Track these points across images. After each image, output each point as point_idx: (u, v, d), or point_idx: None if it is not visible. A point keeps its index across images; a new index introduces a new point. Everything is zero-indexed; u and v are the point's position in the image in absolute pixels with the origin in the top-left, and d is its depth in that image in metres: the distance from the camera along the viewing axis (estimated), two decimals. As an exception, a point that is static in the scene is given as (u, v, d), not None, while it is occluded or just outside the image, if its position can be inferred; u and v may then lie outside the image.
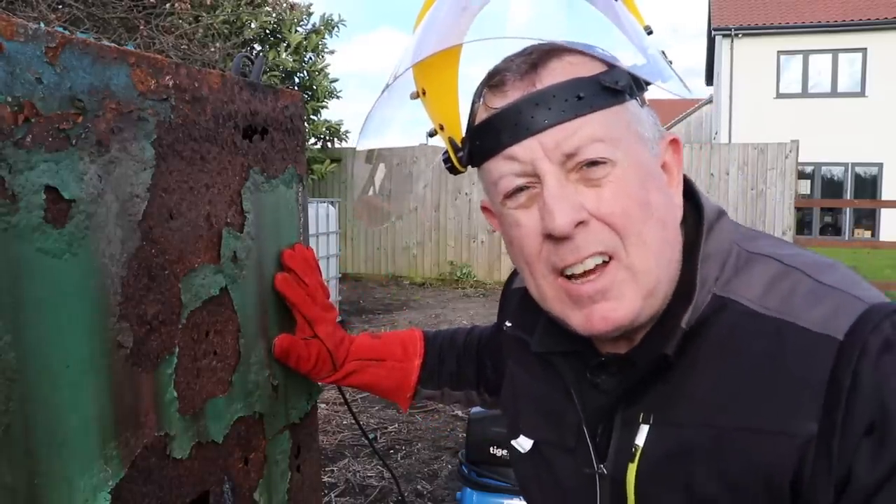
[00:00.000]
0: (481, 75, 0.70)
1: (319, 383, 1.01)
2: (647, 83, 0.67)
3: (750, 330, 0.63)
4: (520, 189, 0.66)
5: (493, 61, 0.70)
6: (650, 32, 0.69)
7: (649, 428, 0.66)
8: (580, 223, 0.63)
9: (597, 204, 0.63)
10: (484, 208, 0.76)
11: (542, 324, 0.77)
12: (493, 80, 0.68)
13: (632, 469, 0.67)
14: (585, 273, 0.65)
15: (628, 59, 0.65)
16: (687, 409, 0.65)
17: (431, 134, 0.74)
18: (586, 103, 0.63)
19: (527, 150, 0.64)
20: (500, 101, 0.66)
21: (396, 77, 0.69)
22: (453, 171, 0.73)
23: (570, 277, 0.66)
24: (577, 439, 0.73)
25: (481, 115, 0.68)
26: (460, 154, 0.70)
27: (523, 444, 0.81)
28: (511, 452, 0.84)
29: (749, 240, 0.71)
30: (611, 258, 0.64)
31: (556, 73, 0.65)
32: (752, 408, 0.61)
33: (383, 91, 0.71)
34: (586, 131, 0.63)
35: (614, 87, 0.64)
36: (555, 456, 0.77)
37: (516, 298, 0.89)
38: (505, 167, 0.66)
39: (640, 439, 0.67)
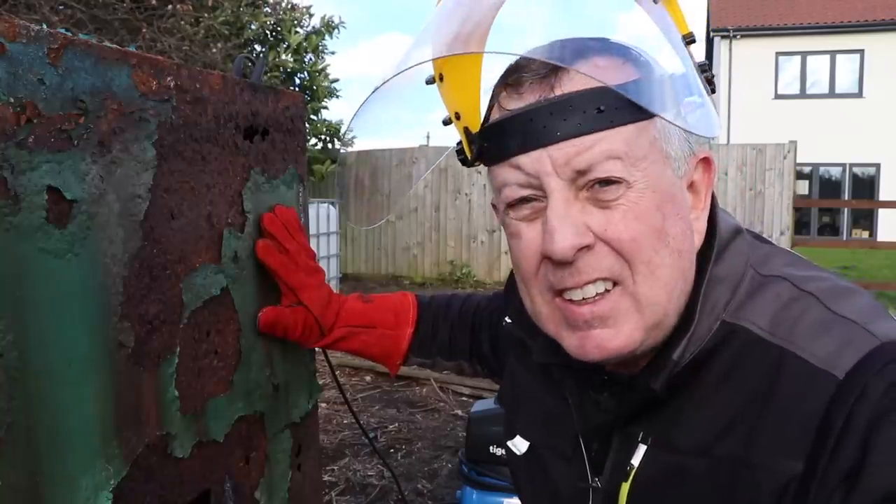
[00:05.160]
0: (507, 62, 0.64)
1: (311, 347, 0.98)
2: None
3: (755, 358, 0.60)
4: (524, 200, 0.61)
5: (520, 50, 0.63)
6: (691, 41, 0.61)
7: (646, 449, 0.65)
8: (584, 248, 0.59)
9: (604, 226, 0.58)
10: (493, 205, 0.71)
11: (543, 332, 0.72)
12: (511, 79, 0.62)
13: (625, 488, 0.66)
14: (585, 299, 0.60)
15: (668, 66, 0.59)
16: (685, 434, 0.63)
17: (446, 122, 0.67)
18: (607, 117, 0.57)
19: (535, 161, 0.59)
20: (514, 103, 0.61)
21: (406, 68, 0.62)
22: (466, 163, 0.68)
23: (568, 298, 0.61)
24: (574, 450, 0.72)
25: (494, 115, 0.63)
26: (475, 147, 0.65)
27: (519, 445, 0.80)
28: (507, 452, 0.83)
29: (764, 260, 0.66)
30: (615, 283, 0.60)
31: (578, 79, 0.58)
32: (744, 439, 0.59)
33: (385, 81, 0.63)
34: (602, 147, 0.57)
35: (642, 101, 0.57)
36: (550, 461, 0.76)
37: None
38: (511, 175, 0.61)
39: (636, 459, 0.65)
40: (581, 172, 0.58)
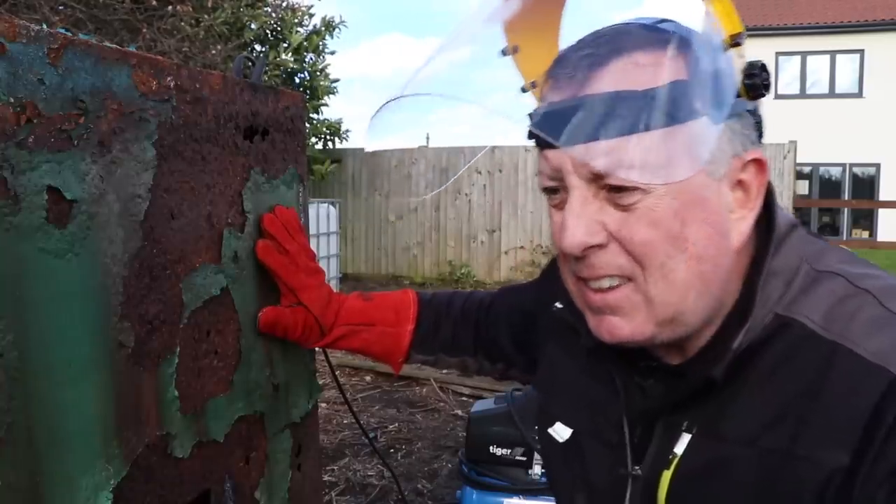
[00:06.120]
0: (587, 28, 0.62)
1: (311, 347, 0.98)
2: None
3: (807, 352, 0.60)
4: (553, 189, 0.63)
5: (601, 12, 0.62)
6: (736, 44, 0.56)
7: (690, 438, 0.64)
8: (595, 246, 0.59)
9: (619, 226, 0.59)
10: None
11: None
12: (555, 70, 0.62)
13: (666, 476, 0.65)
14: (600, 288, 0.62)
15: (711, 65, 0.55)
16: (732, 425, 0.62)
17: (524, 90, 0.68)
18: (628, 123, 0.55)
19: (557, 158, 0.60)
20: (552, 95, 0.61)
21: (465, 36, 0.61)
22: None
23: (587, 284, 0.63)
24: (618, 436, 0.71)
25: (541, 102, 0.64)
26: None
27: (561, 432, 0.78)
28: (544, 440, 0.81)
29: (819, 256, 0.65)
30: (628, 279, 0.61)
31: (609, 78, 0.57)
32: (791, 431, 0.58)
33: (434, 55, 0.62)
34: (620, 154, 0.55)
35: (672, 107, 0.55)
36: (591, 448, 0.75)
37: None
38: (543, 165, 0.63)
39: (680, 448, 0.65)
40: (598, 175, 0.58)
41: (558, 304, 0.81)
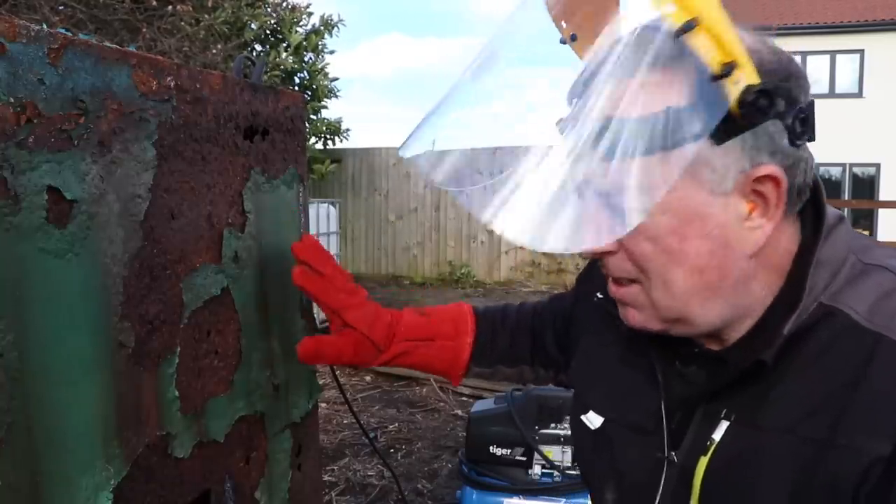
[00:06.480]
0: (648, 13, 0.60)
1: (370, 366, 0.96)
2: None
3: (850, 342, 0.60)
4: None
5: None
6: (726, 74, 0.56)
7: (729, 425, 0.65)
8: (606, 252, 0.64)
9: (624, 238, 0.62)
10: None
11: None
12: (576, 81, 0.63)
13: (703, 462, 0.66)
14: (617, 279, 0.68)
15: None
16: (771, 413, 0.63)
17: None
18: (622, 148, 0.56)
19: None
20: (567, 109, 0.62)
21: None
22: None
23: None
24: (655, 423, 0.72)
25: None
26: None
27: (594, 420, 0.79)
28: (576, 427, 0.83)
29: (866, 249, 0.67)
30: (636, 281, 0.66)
31: (605, 99, 0.57)
32: (831, 420, 0.59)
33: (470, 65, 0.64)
34: (613, 177, 0.57)
35: (670, 134, 0.56)
36: (624, 436, 0.76)
37: None
38: None
39: (718, 434, 0.66)
40: (598, 192, 0.59)
41: (599, 294, 0.82)
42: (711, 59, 0.56)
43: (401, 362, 0.95)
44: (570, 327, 0.95)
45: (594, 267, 0.88)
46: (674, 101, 0.57)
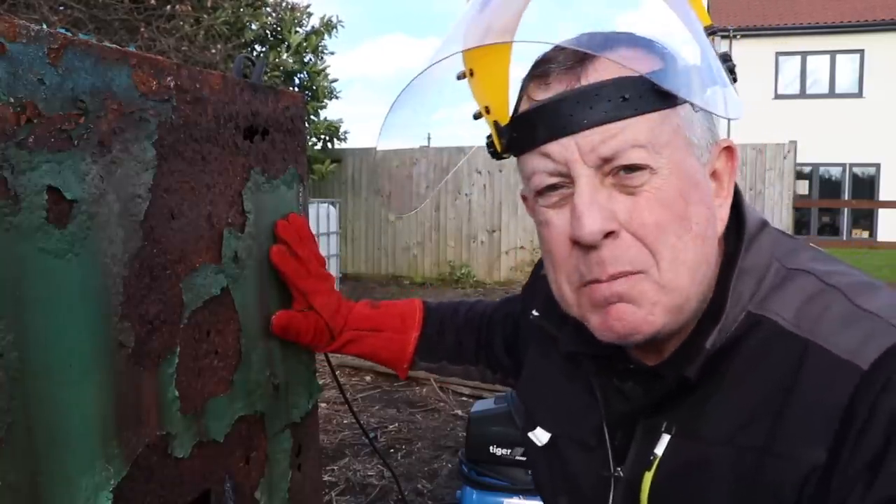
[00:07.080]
0: (535, 55, 0.66)
1: (321, 351, 1.01)
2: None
3: (779, 349, 0.61)
4: (552, 187, 0.63)
5: (547, 46, 0.65)
6: (712, 33, 0.64)
7: (670, 439, 0.65)
8: (610, 233, 0.60)
9: (629, 214, 0.60)
10: (523, 197, 0.72)
11: (571, 322, 0.72)
12: (538, 70, 0.64)
13: (648, 477, 0.66)
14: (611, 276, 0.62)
15: (691, 56, 0.61)
16: (709, 425, 0.63)
17: (476, 116, 0.70)
18: (631, 105, 0.59)
19: (562, 149, 0.61)
20: (541, 94, 0.63)
21: (439, 60, 0.63)
22: (496, 155, 0.70)
23: (594, 280, 0.63)
24: (598, 440, 0.72)
25: (523, 106, 0.66)
26: (504, 139, 0.67)
27: (540, 436, 0.80)
28: (526, 444, 0.83)
29: (790, 254, 0.67)
30: (640, 272, 0.61)
31: (603, 69, 0.60)
32: (767, 429, 0.59)
33: (418, 75, 0.65)
34: (627, 135, 0.59)
35: (665, 89, 0.58)
36: (571, 452, 0.76)
37: (547, 287, 0.83)
38: (539, 164, 0.63)
39: (660, 449, 0.66)
40: (607, 160, 0.60)
41: (535, 312, 0.83)
42: (702, 20, 0.64)
43: (350, 350, 0.98)
44: (519, 332, 0.96)
45: (538, 279, 0.86)
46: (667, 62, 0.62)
